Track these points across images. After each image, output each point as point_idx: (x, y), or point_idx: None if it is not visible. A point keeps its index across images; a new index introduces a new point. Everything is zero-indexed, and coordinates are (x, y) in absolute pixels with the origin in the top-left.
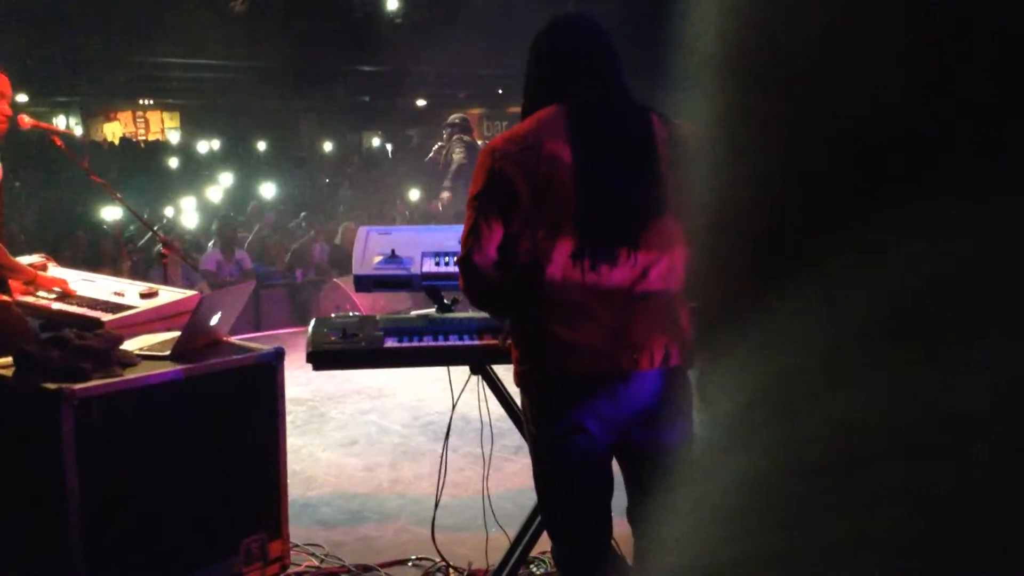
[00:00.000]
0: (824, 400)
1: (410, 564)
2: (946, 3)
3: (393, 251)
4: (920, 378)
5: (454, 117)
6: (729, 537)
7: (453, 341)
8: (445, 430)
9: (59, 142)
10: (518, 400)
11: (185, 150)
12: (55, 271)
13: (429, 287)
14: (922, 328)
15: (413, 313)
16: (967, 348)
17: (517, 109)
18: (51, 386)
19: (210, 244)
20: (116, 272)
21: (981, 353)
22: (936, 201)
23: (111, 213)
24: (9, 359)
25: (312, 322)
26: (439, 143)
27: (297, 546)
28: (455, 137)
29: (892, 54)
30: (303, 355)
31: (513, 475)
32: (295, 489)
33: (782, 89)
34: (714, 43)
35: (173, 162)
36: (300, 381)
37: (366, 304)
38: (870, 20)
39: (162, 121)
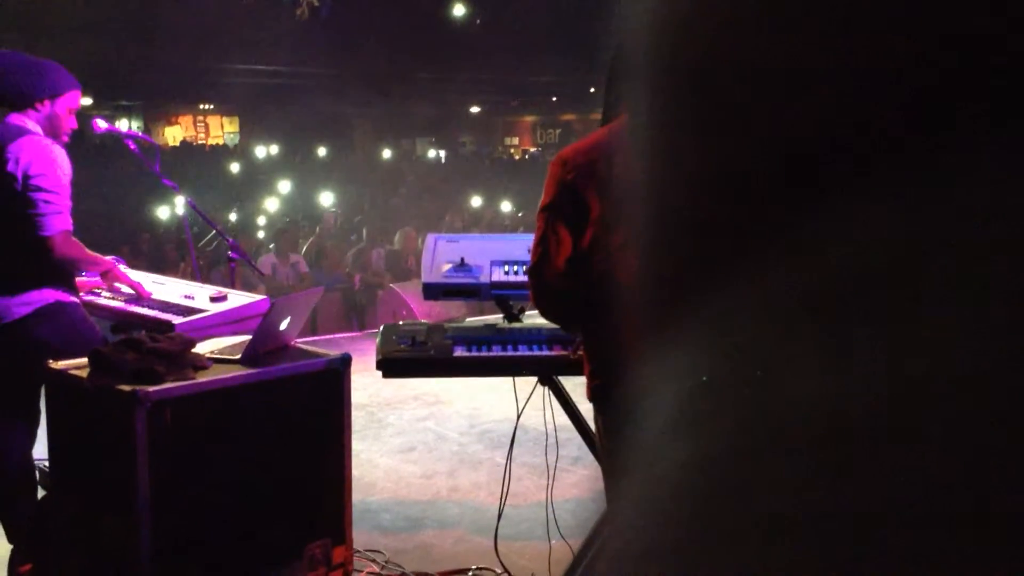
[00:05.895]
0: (770, 385)
1: (470, 574)
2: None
3: (462, 259)
4: (858, 362)
5: None
6: (671, 519)
7: (523, 351)
8: (502, 439)
9: (133, 146)
10: (582, 410)
11: (245, 154)
12: (127, 275)
13: (498, 296)
14: (858, 314)
15: (469, 320)
16: (901, 333)
17: (571, 116)
18: (125, 388)
19: (270, 247)
20: (175, 274)
21: (908, 339)
22: (867, 195)
23: (166, 214)
24: (84, 360)
25: (380, 329)
26: None
27: (358, 552)
28: None
29: (826, 54)
30: (360, 360)
31: (572, 486)
32: (355, 495)
33: (717, 86)
34: (650, 40)
35: (234, 167)
36: (356, 386)
37: (422, 310)
38: (806, 19)
39: (221, 125)
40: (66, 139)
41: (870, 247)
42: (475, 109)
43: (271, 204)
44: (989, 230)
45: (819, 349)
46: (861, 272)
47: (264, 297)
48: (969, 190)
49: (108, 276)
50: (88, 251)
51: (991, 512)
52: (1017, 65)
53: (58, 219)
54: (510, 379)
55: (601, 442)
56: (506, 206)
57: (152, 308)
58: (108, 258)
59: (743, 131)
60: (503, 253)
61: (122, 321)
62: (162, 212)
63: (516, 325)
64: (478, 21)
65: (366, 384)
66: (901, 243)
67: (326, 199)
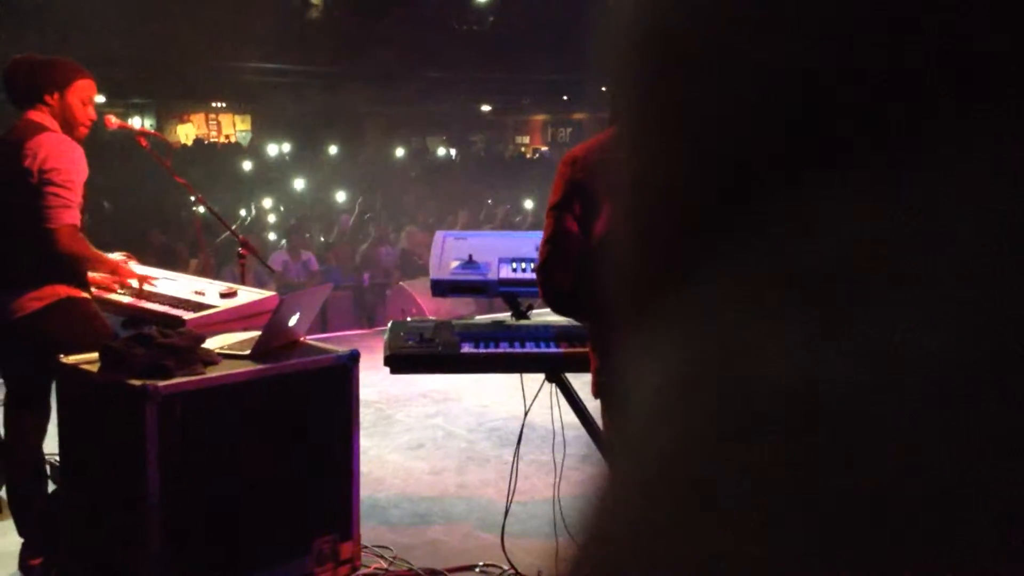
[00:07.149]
0: (754, 370)
1: (477, 570)
2: None
3: (470, 256)
4: (841, 347)
5: None
6: (656, 505)
7: (530, 348)
8: (510, 436)
9: (145, 143)
10: (589, 407)
11: (258, 152)
12: (136, 270)
13: (506, 293)
14: (826, 301)
15: (478, 317)
16: (881, 320)
17: (582, 115)
18: (136, 382)
19: (282, 244)
20: (184, 270)
21: (878, 327)
22: (847, 188)
23: (177, 211)
24: (95, 355)
25: (389, 325)
26: None
27: (366, 547)
28: None
29: (810, 50)
30: (369, 357)
31: (580, 483)
32: (363, 490)
33: (700, 82)
34: (636, 33)
35: (246, 164)
36: (366, 383)
37: (431, 307)
38: (785, 15)
39: (234, 124)
40: (85, 131)
41: (851, 238)
42: (486, 107)
43: (282, 201)
44: (959, 221)
45: (802, 336)
46: (843, 262)
47: (273, 294)
48: (941, 183)
49: (116, 274)
50: (93, 249)
51: (968, 496)
52: (990, 62)
53: (66, 213)
54: (518, 377)
55: (606, 436)
56: (519, 205)
57: (163, 304)
58: (116, 255)
59: (726, 125)
60: (511, 250)
61: (133, 316)
62: (173, 209)
63: (523, 322)
64: (490, 19)
65: (375, 381)
66: (881, 234)
67: (339, 197)
